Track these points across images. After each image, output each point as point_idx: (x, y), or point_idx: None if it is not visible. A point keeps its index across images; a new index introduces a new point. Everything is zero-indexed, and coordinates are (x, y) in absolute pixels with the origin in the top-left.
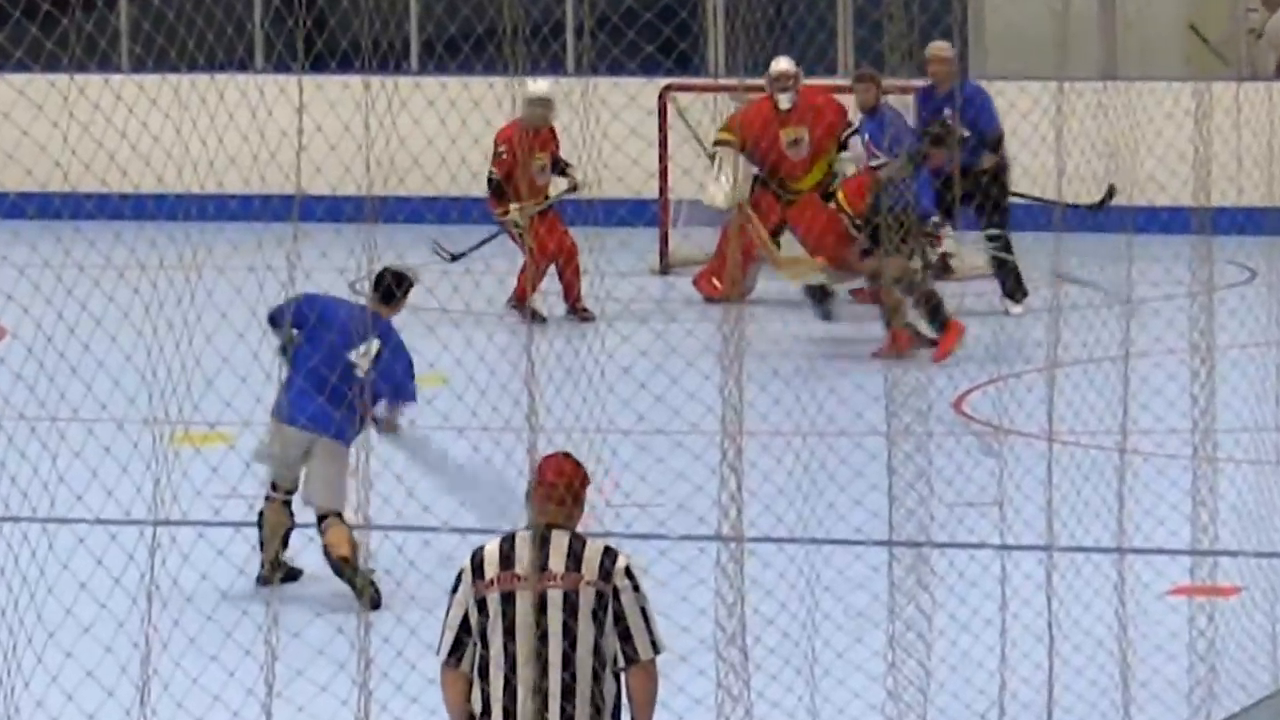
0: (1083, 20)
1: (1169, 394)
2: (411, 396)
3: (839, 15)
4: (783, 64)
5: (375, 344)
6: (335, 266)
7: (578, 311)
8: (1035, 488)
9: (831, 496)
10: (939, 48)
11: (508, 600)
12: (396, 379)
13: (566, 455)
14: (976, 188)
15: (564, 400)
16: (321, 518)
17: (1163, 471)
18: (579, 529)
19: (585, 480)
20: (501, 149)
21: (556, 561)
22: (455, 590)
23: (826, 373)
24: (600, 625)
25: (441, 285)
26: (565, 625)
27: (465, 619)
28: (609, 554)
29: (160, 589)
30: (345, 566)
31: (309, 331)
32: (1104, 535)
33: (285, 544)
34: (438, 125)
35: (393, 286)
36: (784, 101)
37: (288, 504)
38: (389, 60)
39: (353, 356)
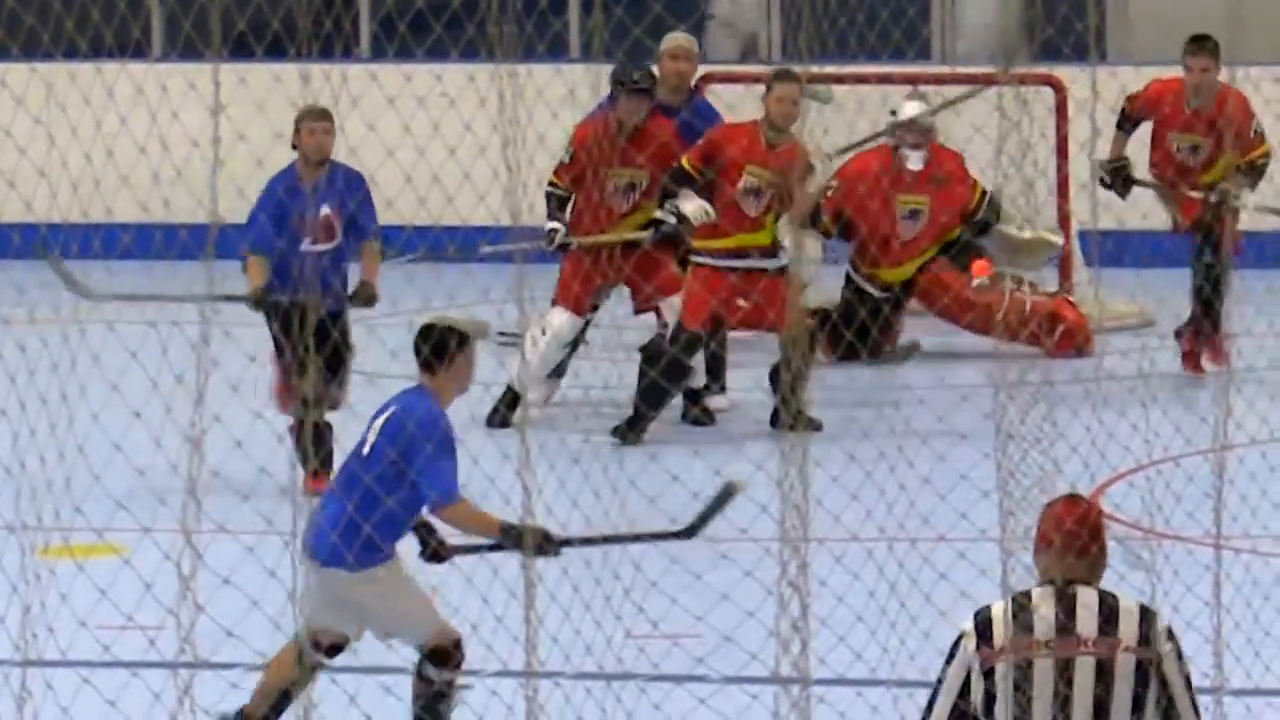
0: None
1: None
2: (449, 494)
3: None
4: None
5: (385, 413)
6: (258, 319)
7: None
8: (1199, 611)
9: (927, 624)
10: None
11: (1024, 669)
12: (432, 467)
13: (1075, 496)
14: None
15: (569, 496)
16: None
17: None
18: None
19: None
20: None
21: (1086, 623)
22: (951, 658)
23: (919, 456)
24: (1139, 701)
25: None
26: (1098, 700)
27: (966, 687)
28: (1146, 615)
29: None
30: None
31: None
32: None
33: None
34: (399, 130)
35: (430, 355)
36: (913, 161)
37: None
38: (334, 43)
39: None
